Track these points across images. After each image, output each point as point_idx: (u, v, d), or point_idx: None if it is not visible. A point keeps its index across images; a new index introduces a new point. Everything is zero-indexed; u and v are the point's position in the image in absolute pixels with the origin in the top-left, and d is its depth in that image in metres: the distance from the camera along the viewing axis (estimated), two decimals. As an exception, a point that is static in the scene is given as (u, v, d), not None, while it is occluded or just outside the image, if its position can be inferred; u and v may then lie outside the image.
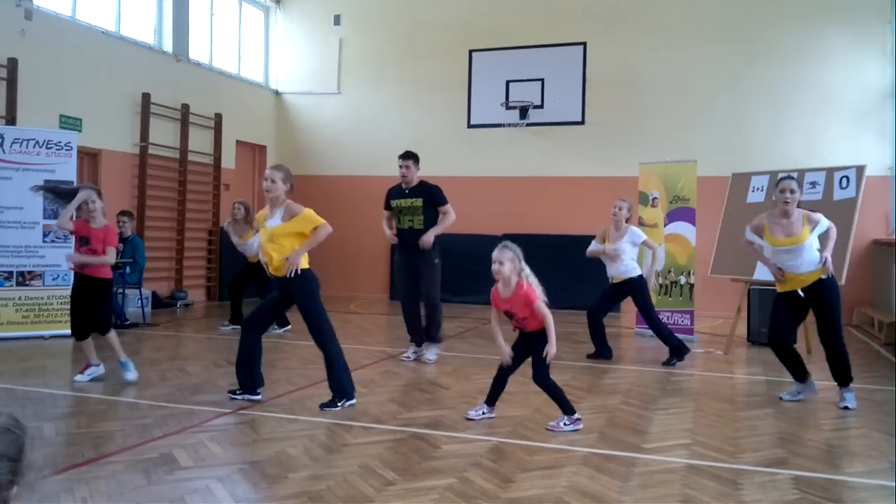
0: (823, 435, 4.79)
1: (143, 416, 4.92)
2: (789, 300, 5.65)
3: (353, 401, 5.31)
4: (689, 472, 3.93)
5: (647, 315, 7.45)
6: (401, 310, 7.37)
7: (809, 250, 5.48)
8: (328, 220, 5.24)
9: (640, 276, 7.44)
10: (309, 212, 5.20)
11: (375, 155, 13.49)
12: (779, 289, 5.72)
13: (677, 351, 7.27)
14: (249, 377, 5.40)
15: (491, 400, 5.02)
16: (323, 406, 5.20)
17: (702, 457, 4.22)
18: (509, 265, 4.66)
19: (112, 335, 6.11)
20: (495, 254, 4.71)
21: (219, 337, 8.58)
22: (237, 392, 5.41)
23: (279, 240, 5.17)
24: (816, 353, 7.87)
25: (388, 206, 7.30)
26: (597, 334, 7.48)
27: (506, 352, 4.83)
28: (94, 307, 6.03)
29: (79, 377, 6.00)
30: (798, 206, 5.62)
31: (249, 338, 5.40)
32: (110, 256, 6.03)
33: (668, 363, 7.22)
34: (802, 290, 5.52)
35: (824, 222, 5.56)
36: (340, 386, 5.28)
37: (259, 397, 5.41)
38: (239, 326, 8.91)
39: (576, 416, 4.78)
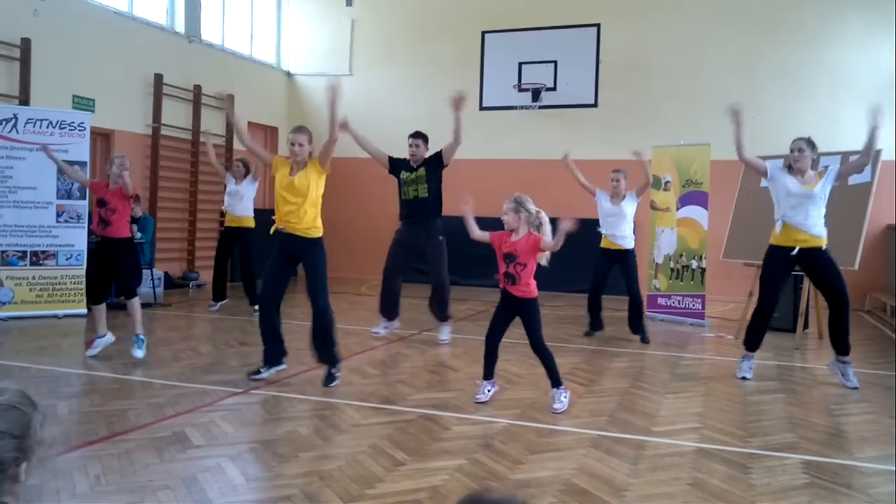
0: (833, 420, 4.78)
1: (155, 395, 4.97)
2: (781, 260, 5.73)
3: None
4: (698, 456, 3.94)
5: (634, 286, 7.54)
6: (382, 282, 7.32)
7: (819, 205, 5.59)
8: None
9: (634, 249, 7.64)
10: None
11: (387, 136, 13.26)
12: (774, 240, 5.77)
13: (644, 335, 7.52)
14: (279, 348, 5.51)
15: (488, 374, 5.04)
16: (330, 383, 5.31)
17: (711, 440, 4.22)
18: (511, 215, 4.80)
19: (135, 302, 6.18)
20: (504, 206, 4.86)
21: (230, 317, 8.62)
22: (261, 370, 5.45)
23: (305, 192, 5.20)
24: (828, 340, 7.84)
25: (391, 168, 7.30)
26: (597, 310, 7.68)
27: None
28: (119, 268, 6.16)
29: (90, 351, 6.09)
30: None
31: (271, 311, 5.43)
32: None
33: (641, 337, 7.50)
34: (800, 249, 5.63)
35: (833, 168, 5.75)
36: (336, 353, 5.43)
37: (285, 366, 5.58)
38: (224, 301, 9.13)
39: (563, 386, 4.90)
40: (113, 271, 6.20)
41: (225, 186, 9.24)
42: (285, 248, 5.38)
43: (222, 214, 9.51)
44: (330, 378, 5.33)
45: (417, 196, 7.08)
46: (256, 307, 8.54)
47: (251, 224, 8.98)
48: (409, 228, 7.19)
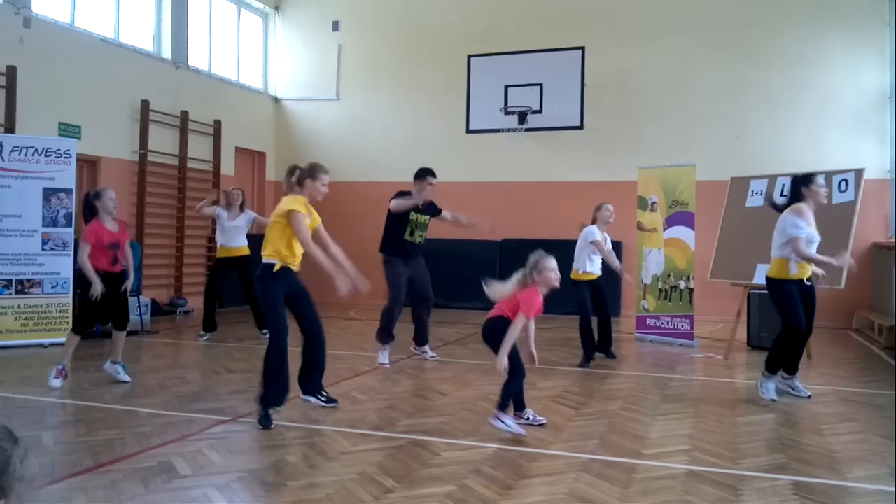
0: (824, 440, 4.78)
1: (142, 424, 4.92)
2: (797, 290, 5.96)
3: None
4: (689, 478, 3.92)
5: (606, 309, 7.74)
6: (398, 312, 7.47)
7: None
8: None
9: None
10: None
11: (374, 160, 13.54)
12: (793, 276, 5.89)
13: (587, 357, 7.47)
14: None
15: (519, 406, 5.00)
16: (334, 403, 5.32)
17: (702, 462, 4.21)
18: (555, 274, 4.89)
19: (124, 333, 6.37)
20: (554, 263, 4.88)
21: (218, 345, 8.56)
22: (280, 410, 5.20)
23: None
24: (817, 360, 7.88)
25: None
26: (593, 338, 7.65)
27: (503, 363, 4.68)
28: (122, 299, 6.30)
29: (55, 382, 5.99)
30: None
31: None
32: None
33: (608, 353, 7.77)
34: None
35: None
36: None
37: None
38: (214, 332, 8.96)
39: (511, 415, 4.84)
40: (113, 303, 6.22)
41: (213, 221, 9.07)
42: (287, 285, 5.22)
43: (210, 240, 9.42)
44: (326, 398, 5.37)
45: (421, 242, 7.55)
46: (265, 331, 8.42)
47: (247, 252, 8.85)
48: (407, 262, 7.49)
